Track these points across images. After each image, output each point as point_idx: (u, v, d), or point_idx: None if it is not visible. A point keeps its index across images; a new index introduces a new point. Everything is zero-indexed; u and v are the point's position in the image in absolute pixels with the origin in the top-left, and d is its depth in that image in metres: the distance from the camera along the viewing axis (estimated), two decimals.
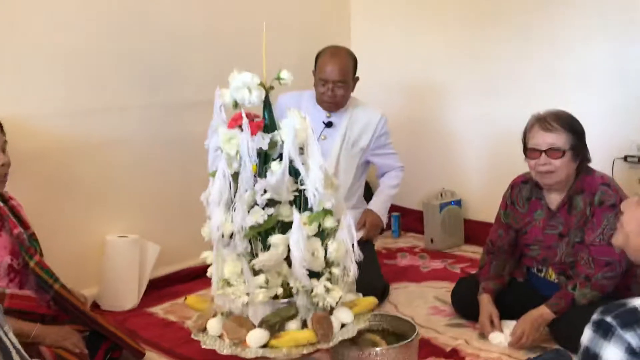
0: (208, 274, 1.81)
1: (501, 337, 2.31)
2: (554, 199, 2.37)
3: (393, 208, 3.78)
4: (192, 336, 1.81)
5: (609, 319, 0.97)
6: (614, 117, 2.95)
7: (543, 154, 2.25)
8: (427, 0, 3.59)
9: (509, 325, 2.34)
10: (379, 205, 2.83)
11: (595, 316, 0.99)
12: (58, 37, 2.62)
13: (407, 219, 3.76)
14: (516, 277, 2.52)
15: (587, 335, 1.00)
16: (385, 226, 2.93)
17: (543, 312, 2.25)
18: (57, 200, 2.65)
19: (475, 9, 3.40)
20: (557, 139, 2.24)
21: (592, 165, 2.37)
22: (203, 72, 3.08)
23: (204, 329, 1.80)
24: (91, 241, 2.78)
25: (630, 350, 0.92)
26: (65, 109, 2.68)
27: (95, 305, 2.73)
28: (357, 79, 2.79)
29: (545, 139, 2.25)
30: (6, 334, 1.45)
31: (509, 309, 2.38)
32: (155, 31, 2.93)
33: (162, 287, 2.95)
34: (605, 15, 2.94)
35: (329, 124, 2.76)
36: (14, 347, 1.46)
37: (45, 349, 1.86)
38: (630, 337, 0.93)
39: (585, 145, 2.31)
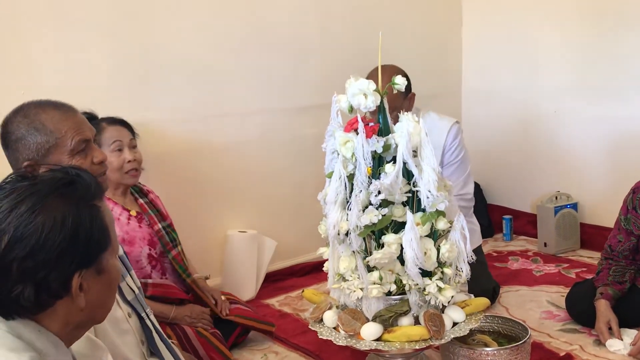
0: (324, 269, 1.91)
1: (620, 344, 2.24)
2: None
3: (505, 210, 3.75)
4: (310, 327, 1.92)
5: None
6: None
7: None
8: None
9: (630, 333, 2.26)
10: None
11: None
12: (186, 51, 2.85)
13: (519, 222, 3.69)
14: (637, 285, 2.43)
15: None
16: None
17: None
18: (184, 198, 2.88)
19: (596, 5, 3.28)
20: None
21: None
22: (316, 78, 3.22)
23: (320, 321, 1.90)
24: (214, 236, 3.00)
25: None
26: (192, 114, 2.90)
27: None
28: (413, 95, 2.61)
29: None
30: (148, 316, 1.63)
31: (629, 317, 2.31)
32: (272, 41, 3.11)
33: (277, 281, 3.12)
34: None
35: None
36: (154, 327, 1.65)
37: (187, 327, 2.07)
38: None
39: None
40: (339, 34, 3.33)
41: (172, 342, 1.69)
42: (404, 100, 2.59)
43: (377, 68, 2.74)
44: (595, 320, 2.34)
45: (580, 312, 2.47)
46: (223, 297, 2.39)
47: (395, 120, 2.56)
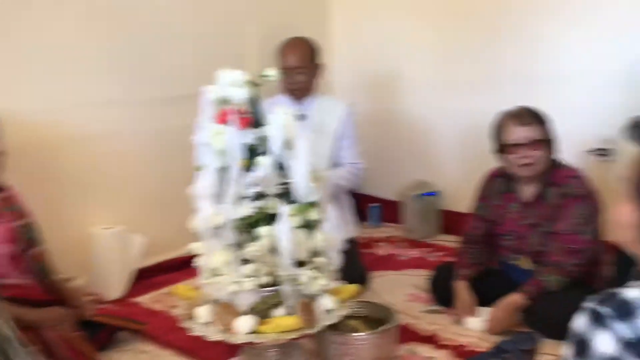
0: (194, 264, 1.88)
1: (476, 322, 2.42)
2: (528, 192, 2.48)
3: (372, 199, 3.90)
4: (182, 324, 1.88)
5: (604, 309, 0.97)
6: (584, 112, 3.07)
7: (524, 148, 2.36)
8: None
9: (485, 311, 2.44)
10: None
11: (589, 304, 1.02)
12: (42, 35, 2.64)
13: (386, 209, 3.85)
14: (491, 266, 2.63)
15: (580, 322, 1.01)
16: None
17: (516, 299, 2.37)
18: (46, 194, 2.68)
19: (455, 8, 3.49)
20: (534, 132, 2.36)
21: (564, 158, 2.49)
22: (185, 67, 3.13)
23: (192, 317, 1.87)
24: (78, 233, 2.83)
25: (622, 341, 0.95)
26: (50, 104, 2.70)
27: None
28: (322, 66, 2.89)
29: (524, 133, 2.36)
30: (6, 323, 1.50)
31: (484, 296, 2.49)
32: (138, 27, 2.97)
33: (148, 277, 3.01)
34: (577, 17, 3.05)
35: (300, 117, 2.83)
36: (12, 333, 1.52)
37: (50, 331, 1.93)
38: (622, 329, 0.96)
39: (555, 138, 2.43)
40: (210, 22, 3.26)
41: (33, 349, 1.57)
42: (314, 66, 2.82)
43: (287, 40, 2.87)
44: (455, 301, 2.51)
45: (442, 293, 2.64)
46: (89, 297, 2.27)
47: (307, 85, 2.79)
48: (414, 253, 3.36)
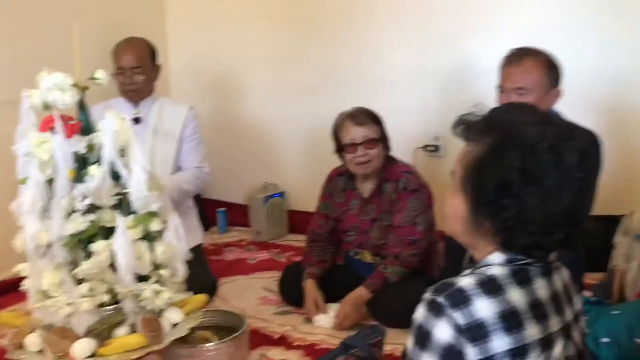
0: (22, 288, 1.70)
1: (325, 319, 2.47)
2: (367, 188, 2.58)
3: (219, 204, 3.83)
4: (8, 355, 1.69)
5: (440, 298, 1.03)
6: (415, 111, 3.27)
7: (360, 147, 2.45)
8: None
9: (333, 307, 2.50)
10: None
11: (427, 295, 1.06)
12: None
13: (233, 213, 3.81)
14: (337, 262, 2.71)
15: (420, 313, 1.05)
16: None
17: (361, 293, 2.45)
18: None
19: (291, 11, 3.54)
20: (369, 131, 2.47)
21: (397, 155, 2.63)
22: (2, 70, 2.84)
23: (21, 346, 1.69)
24: None
25: (457, 328, 1.01)
26: None
27: None
28: (159, 66, 2.83)
29: (360, 132, 2.46)
30: None
31: (332, 292, 2.55)
32: None
33: None
34: (406, 24, 3.24)
35: (136, 120, 2.71)
36: None
37: None
38: (458, 316, 1.01)
39: (389, 136, 2.55)
40: (31, 20, 2.98)
41: None
42: (151, 67, 2.76)
43: (122, 41, 2.69)
44: (304, 300, 2.54)
45: (291, 293, 2.66)
46: None
47: (144, 86, 2.71)
48: (263, 255, 3.36)
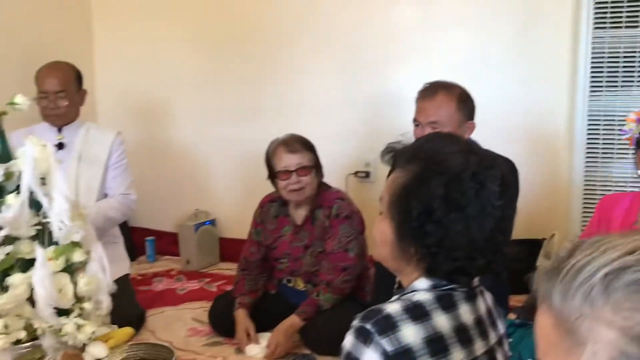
0: None
1: (257, 349, 2.43)
2: (300, 215, 2.58)
3: (148, 232, 3.73)
4: None
5: (368, 325, 1.03)
6: (346, 138, 3.32)
7: (294, 174, 2.46)
8: (175, 23, 3.62)
9: (265, 337, 2.47)
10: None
11: (355, 322, 1.06)
12: None
13: (163, 242, 3.72)
14: (269, 290, 2.68)
15: (348, 340, 1.05)
16: None
17: (293, 321, 2.43)
18: None
19: (218, 37, 3.54)
20: (303, 158, 2.48)
21: (330, 181, 2.65)
22: None
23: None
24: None
25: (385, 355, 1.00)
26: None
27: None
28: (85, 91, 2.77)
29: (293, 160, 2.46)
30: None
31: (264, 321, 2.52)
32: None
33: None
34: (334, 53, 3.31)
35: (60, 146, 2.62)
36: None
37: None
38: (385, 342, 1.01)
39: (321, 163, 2.58)
40: None
41: None
42: (76, 92, 2.68)
43: (46, 65, 2.59)
44: (236, 330, 2.49)
45: (222, 324, 2.61)
46: None
47: (69, 111, 2.65)
48: (193, 285, 3.28)
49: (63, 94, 2.62)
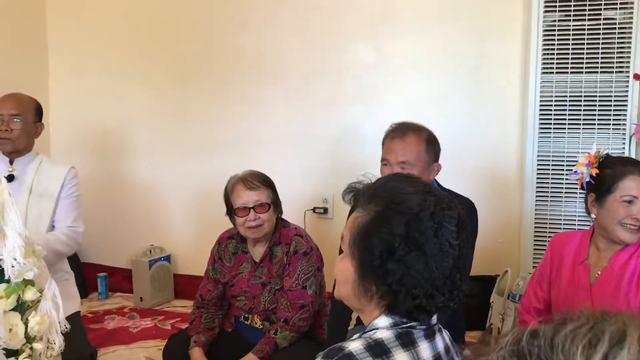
0: None
1: None
2: (258, 251, 2.57)
3: (100, 268, 3.64)
4: None
5: None
6: (304, 174, 3.35)
7: (252, 211, 2.45)
8: (131, 58, 3.62)
9: None
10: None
11: None
12: None
13: (115, 278, 3.64)
14: (225, 328, 2.64)
15: None
16: None
17: (250, 359, 2.39)
18: None
19: (180, 73, 3.55)
20: (261, 195, 2.48)
21: (288, 216, 2.65)
22: None
23: None
24: None
25: None
26: None
27: None
28: (42, 125, 2.75)
29: (251, 197, 2.46)
30: None
31: (220, 359, 2.47)
32: None
33: None
34: (294, 89, 3.36)
35: (10, 178, 2.57)
36: None
37: None
38: None
39: (279, 200, 2.59)
40: None
41: None
42: (32, 121, 2.65)
43: (8, 94, 2.55)
44: None
45: None
46: None
47: (21, 141, 2.61)
48: (147, 323, 3.21)
49: (18, 118, 2.59)
